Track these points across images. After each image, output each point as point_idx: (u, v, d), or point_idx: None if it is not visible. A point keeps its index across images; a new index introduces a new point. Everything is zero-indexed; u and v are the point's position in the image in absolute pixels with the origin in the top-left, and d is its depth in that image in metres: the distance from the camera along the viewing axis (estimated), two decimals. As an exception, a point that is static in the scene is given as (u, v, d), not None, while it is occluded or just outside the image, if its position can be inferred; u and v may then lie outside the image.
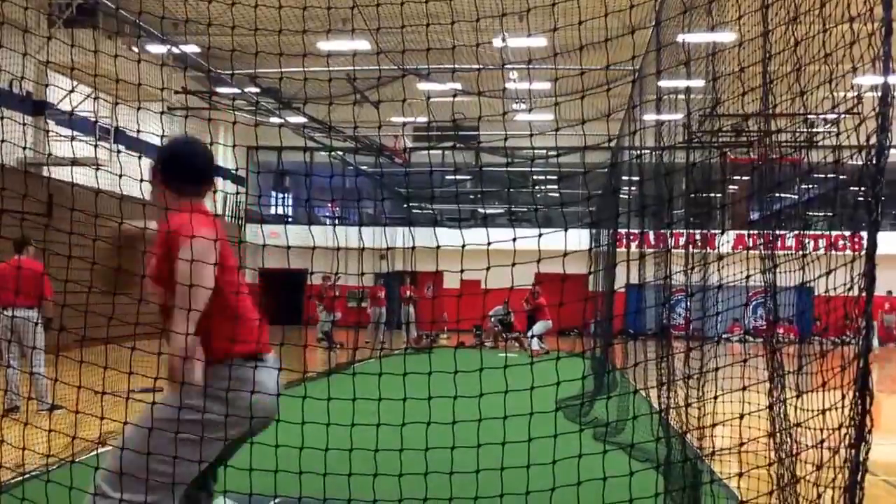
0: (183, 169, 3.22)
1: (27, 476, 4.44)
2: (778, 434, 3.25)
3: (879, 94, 2.31)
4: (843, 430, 2.51)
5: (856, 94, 2.54)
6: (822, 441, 2.65)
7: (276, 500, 3.67)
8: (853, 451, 2.42)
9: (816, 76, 2.68)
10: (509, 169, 19.38)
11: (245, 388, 2.99)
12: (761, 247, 3.60)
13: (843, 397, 2.49)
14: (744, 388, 3.34)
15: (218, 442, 2.99)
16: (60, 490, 3.68)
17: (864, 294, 2.42)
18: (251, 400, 2.98)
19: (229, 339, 3.01)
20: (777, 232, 3.52)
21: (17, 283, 7.30)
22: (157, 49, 16.29)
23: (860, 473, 2.44)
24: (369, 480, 3.47)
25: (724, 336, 16.58)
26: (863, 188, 2.37)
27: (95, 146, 15.26)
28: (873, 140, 2.29)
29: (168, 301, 3.01)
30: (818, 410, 2.78)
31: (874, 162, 2.28)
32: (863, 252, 2.40)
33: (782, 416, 3.20)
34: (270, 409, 3.09)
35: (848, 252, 2.51)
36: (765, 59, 3.40)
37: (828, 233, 2.82)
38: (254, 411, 2.99)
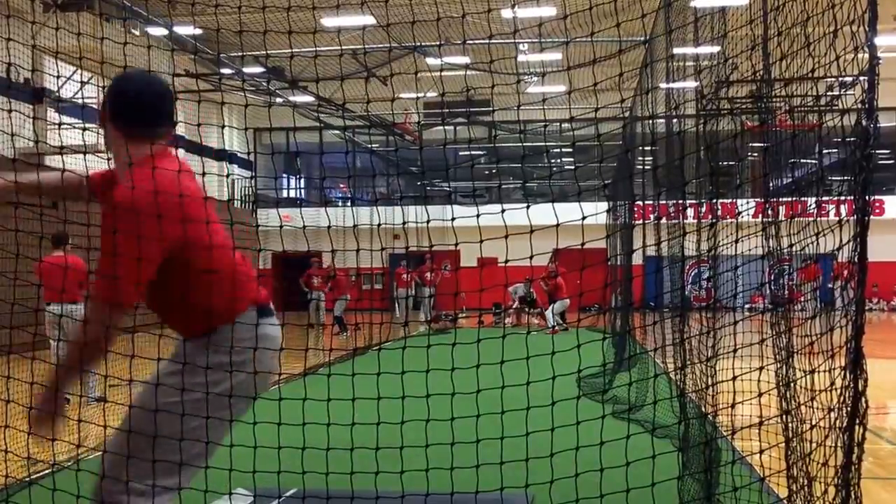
0: (137, 104, 2.67)
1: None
2: (783, 402, 3.21)
3: (867, 55, 2.23)
4: (836, 411, 2.45)
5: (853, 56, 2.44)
6: (827, 415, 2.59)
7: (303, 477, 3.71)
8: (846, 434, 2.37)
9: (823, 40, 2.61)
10: (524, 144, 19.26)
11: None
12: (769, 213, 3.54)
13: (844, 368, 2.43)
14: (760, 369, 3.30)
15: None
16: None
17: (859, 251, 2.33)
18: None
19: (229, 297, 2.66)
20: (792, 199, 3.45)
21: (62, 279, 7.46)
22: (157, 31, 16.12)
23: (856, 453, 2.37)
24: (396, 453, 3.53)
25: (746, 306, 16.43)
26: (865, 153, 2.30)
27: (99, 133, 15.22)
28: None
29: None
30: (811, 388, 2.73)
31: (864, 124, 2.22)
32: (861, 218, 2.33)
33: (788, 382, 3.15)
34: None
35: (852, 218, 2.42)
36: (765, 30, 3.34)
37: (841, 198, 2.74)
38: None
